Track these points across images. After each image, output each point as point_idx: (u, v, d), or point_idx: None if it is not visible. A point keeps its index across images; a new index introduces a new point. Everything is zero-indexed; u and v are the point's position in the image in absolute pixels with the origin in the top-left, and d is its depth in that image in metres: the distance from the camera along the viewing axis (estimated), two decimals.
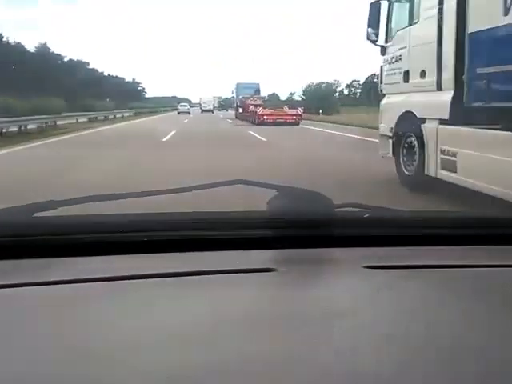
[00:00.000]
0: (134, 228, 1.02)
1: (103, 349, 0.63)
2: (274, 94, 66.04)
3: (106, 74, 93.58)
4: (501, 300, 0.79)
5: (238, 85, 43.61)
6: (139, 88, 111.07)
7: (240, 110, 37.45)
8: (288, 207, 1.01)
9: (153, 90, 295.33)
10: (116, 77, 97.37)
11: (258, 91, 41.28)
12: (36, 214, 1.01)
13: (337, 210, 1.04)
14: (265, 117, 27.57)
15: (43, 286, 0.81)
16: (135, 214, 1.06)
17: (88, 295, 0.79)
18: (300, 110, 28.64)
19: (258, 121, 27.40)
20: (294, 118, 28.13)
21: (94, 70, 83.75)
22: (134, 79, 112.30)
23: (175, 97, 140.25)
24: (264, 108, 28.50)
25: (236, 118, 40.17)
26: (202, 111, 64.03)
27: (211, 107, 68.90)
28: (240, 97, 38.66)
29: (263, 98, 38.59)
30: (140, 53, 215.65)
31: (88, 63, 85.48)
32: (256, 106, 30.35)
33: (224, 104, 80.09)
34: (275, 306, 0.77)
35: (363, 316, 0.72)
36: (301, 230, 1.00)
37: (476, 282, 0.88)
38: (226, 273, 0.87)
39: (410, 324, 0.70)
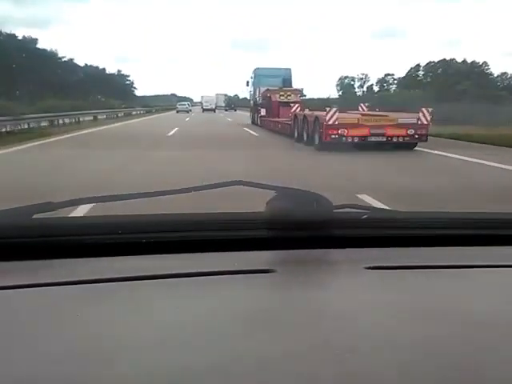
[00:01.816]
0: (132, 229, 1.06)
1: (103, 349, 0.66)
2: None
3: (80, 62, 76.46)
4: (501, 300, 0.83)
5: (256, 71, 27.52)
6: (127, 82, 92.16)
7: (262, 112, 23.97)
8: (287, 208, 1.04)
9: (150, 87, 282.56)
10: (96, 67, 79.84)
11: (288, 81, 25.53)
12: (35, 216, 1.04)
13: (335, 210, 1.08)
14: (341, 131, 12.35)
15: (42, 288, 0.84)
16: (134, 215, 1.11)
17: (87, 296, 0.83)
18: (426, 116, 12.92)
19: (323, 139, 12.52)
20: (413, 133, 12.68)
21: (51, 53, 66.12)
22: (119, 71, 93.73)
23: (175, 95, 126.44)
24: (337, 112, 12.65)
25: (253, 123, 26.91)
26: (204, 110, 63.02)
27: (213, 106, 66.60)
28: (262, 90, 24.40)
29: (300, 91, 23.76)
30: (135, 47, 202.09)
31: (36, 40, 67.26)
32: (301, 109, 16.87)
33: (230, 102, 73.94)
34: (275, 308, 0.80)
35: (364, 317, 0.75)
36: (300, 231, 1.03)
37: (476, 281, 0.93)
38: (225, 274, 0.91)
39: (411, 325, 0.72)
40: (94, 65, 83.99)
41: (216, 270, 0.91)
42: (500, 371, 0.60)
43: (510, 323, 0.73)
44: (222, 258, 1.01)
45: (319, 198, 1.05)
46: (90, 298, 0.82)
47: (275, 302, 0.82)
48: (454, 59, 74.17)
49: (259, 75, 26.16)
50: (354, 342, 0.66)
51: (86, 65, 78.60)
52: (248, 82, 28.88)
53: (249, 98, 30.22)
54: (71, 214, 1.14)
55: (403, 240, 1.09)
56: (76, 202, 1.08)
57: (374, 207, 1.18)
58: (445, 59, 74.08)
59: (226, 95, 79.19)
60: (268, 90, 22.88)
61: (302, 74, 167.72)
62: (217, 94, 76.29)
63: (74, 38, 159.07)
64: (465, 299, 0.84)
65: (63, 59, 69.20)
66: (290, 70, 27.00)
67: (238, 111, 62.08)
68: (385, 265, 0.96)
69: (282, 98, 21.85)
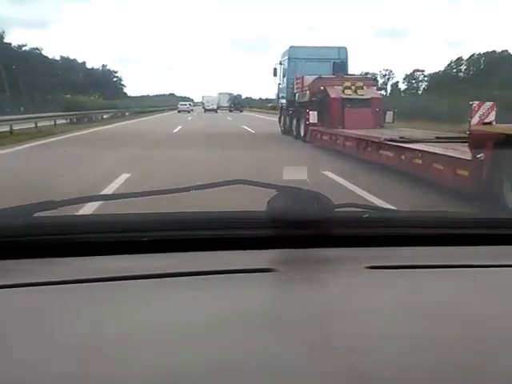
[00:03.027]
0: (133, 228, 1.09)
1: (104, 348, 0.68)
2: None
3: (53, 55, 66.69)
4: (501, 300, 0.86)
5: (291, 52, 17.96)
6: (114, 79, 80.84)
7: (311, 118, 13.68)
8: (288, 207, 1.08)
9: (149, 87, 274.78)
10: (74, 60, 68.70)
11: (342, 67, 16.60)
12: (36, 214, 1.07)
13: (337, 209, 1.12)
14: None
15: (43, 286, 0.87)
16: (135, 214, 1.14)
17: (88, 295, 0.86)
18: None
19: None
20: None
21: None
22: (104, 66, 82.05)
23: (173, 95, 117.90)
24: None
25: (284, 133, 17.45)
26: (205, 110, 61.62)
27: (215, 106, 64.63)
28: (309, 80, 15.03)
29: (375, 80, 16.88)
30: (133, 48, 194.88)
31: None
32: None
33: (236, 102, 68.22)
34: (275, 306, 0.83)
35: (365, 316, 0.77)
36: (301, 229, 1.07)
37: (476, 281, 0.96)
38: (225, 273, 0.93)
39: (411, 324, 0.74)
40: (72, 57, 73.07)
41: (217, 269, 0.94)
42: (500, 371, 0.62)
43: (510, 323, 0.76)
44: (223, 256, 1.04)
45: (320, 196, 1.09)
46: (92, 297, 0.85)
47: (276, 301, 0.85)
48: (506, 50, 63.50)
49: (296, 58, 17.32)
50: (353, 342, 0.68)
51: (63, 57, 67.97)
52: (275, 70, 19.62)
53: (276, 94, 20.39)
54: (72, 213, 1.06)
55: (404, 239, 1.12)
56: (77, 201, 1.10)
57: (374, 206, 1.16)
58: (494, 51, 63.86)
59: (230, 94, 74.49)
60: (321, 78, 14.57)
61: None
62: (219, 93, 72.49)
63: (73, 39, 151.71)
64: (465, 299, 0.87)
65: (23, 48, 58.31)
66: (345, 49, 17.73)
67: (244, 112, 58.93)
68: (385, 264, 0.99)
69: (347, 92, 13.36)
